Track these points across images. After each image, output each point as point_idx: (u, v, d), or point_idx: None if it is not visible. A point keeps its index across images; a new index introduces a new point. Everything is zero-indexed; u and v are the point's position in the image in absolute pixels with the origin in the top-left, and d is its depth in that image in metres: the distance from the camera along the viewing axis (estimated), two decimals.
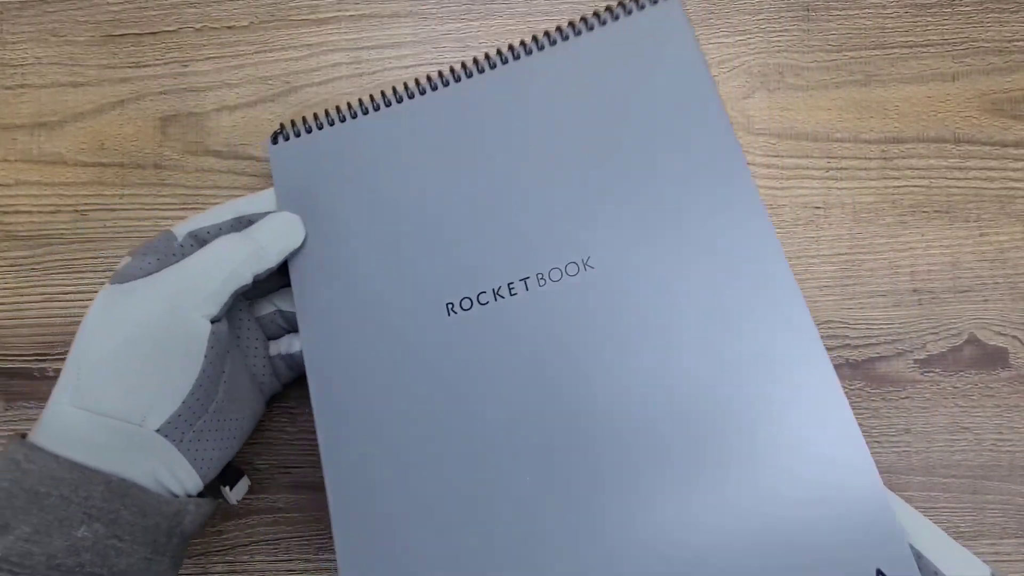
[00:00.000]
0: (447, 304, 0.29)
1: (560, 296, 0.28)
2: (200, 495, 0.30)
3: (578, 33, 0.31)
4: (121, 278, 0.29)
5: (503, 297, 0.29)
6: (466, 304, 0.29)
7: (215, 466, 0.30)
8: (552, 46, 0.31)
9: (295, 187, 0.32)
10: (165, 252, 0.30)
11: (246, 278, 0.29)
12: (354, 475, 0.28)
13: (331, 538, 0.29)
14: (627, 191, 0.29)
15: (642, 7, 0.31)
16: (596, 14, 0.31)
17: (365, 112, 0.32)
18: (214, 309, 0.29)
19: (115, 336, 0.27)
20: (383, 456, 0.28)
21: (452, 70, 0.32)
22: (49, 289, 0.37)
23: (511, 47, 0.32)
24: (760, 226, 0.28)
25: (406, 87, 0.32)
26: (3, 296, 0.37)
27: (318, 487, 0.36)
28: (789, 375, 0.27)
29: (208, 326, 0.28)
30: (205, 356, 0.28)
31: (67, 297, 0.37)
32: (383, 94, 0.32)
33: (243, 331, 0.33)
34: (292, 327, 0.33)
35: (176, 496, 0.28)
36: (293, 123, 0.33)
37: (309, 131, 0.33)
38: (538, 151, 0.30)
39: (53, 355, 0.37)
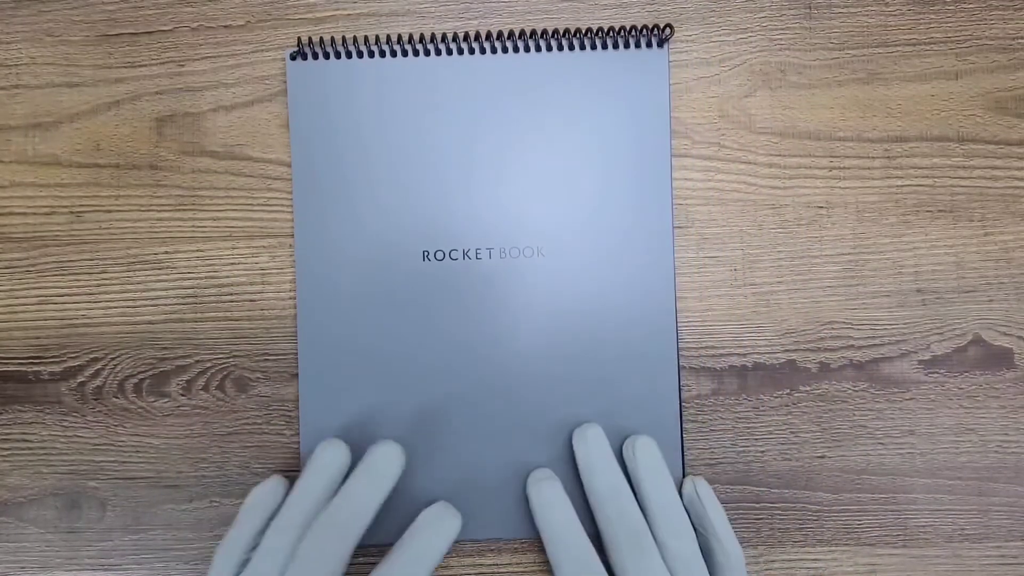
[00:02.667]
0: (423, 251, 0.36)
1: (514, 269, 0.36)
2: None
3: (583, 48, 0.37)
4: None
5: (470, 259, 0.36)
6: (439, 256, 0.36)
7: None
8: (559, 51, 0.37)
9: (307, 108, 0.36)
10: None
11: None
12: (322, 354, 0.36)
13: None
14: (580, 201, 0.36)
15: (639, 46, 0.37)
16: (602, 37, 0.36)
17: (383, 55, 0.37)
18: None
19: None
20: (347, 339, 0.36)
21: (467, 37, 0.36)
22: (44, 291, 0.37)
23: (524, 35, 0.37)
24: (664, 253, 0.36)
25: (421, 39, 0.37)
26: None
27: None
28: (645, 356, 0.36)
29: None
30: None
31: (62, 299, 0.37)
32: (400, 38, 0.37)
33: None
34: None
35: None
36: (311, 41, 0.36)
37: (327, 57, 0.36)
38: (523, 142, 0.37)
39: (48, 358, 0.37)
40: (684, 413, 0.37)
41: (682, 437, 0.36)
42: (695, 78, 0.37)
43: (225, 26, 0.37)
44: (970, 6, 0.38)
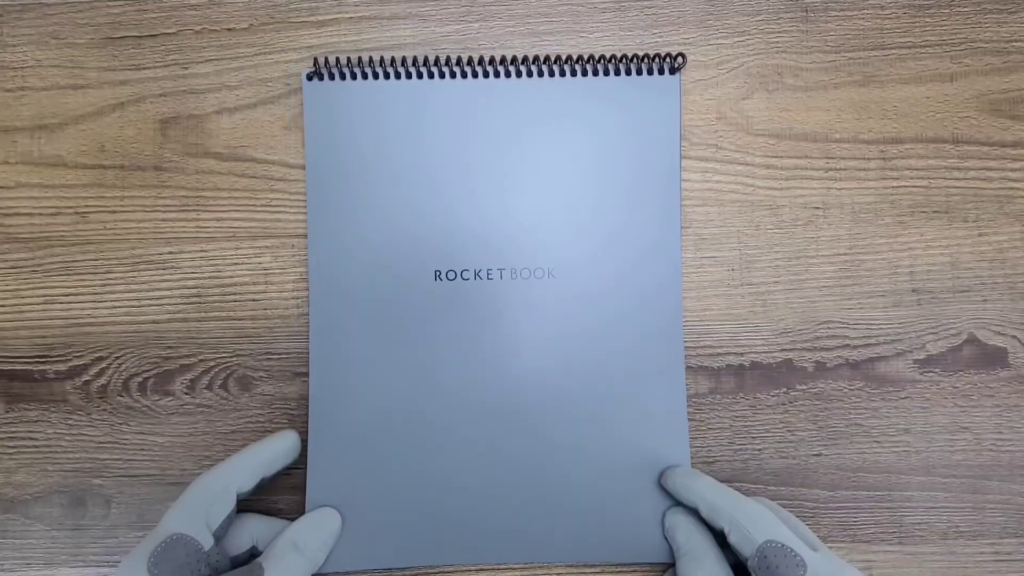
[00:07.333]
0: (435, 271, 0.36)
1: (525, 290, 0.37)
2: None
3: (595, 74, 0.37)
4: None
5: (481, 279, 0.36)
6: (451, 276, 0.36)
7: None
8: (573, 77, 0.37)
9: (323, 128, 0.37)
10: None
11: None
12: (333, 377, 0.36)
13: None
14: (591, 223, 0.37)
15: (651, 73, 0.37)
16: (615, 64, 0.37)
17: (398, 76, 0.37)
18: None
19: None
20: (359, 365, 0.36)
21: (482, 61, 0.37)
22: (49, 291, 0.37)
23: (538, 61, 0.37)
24: (673, 277, 0.37)
25: (437, 61, 0.37)
26: (3, 298, 0.37)
27: None
28: (653, 378, 0.36)
29: None
30: None
31: (67, 299, 0.37)
32: (415, 60, 0.37)
33: None
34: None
35: None
36: (327, 61, 0.37)
37: (343, 77, 0.37)
38: (535, 165, 0.37)
39: (53, 357, 0.37)
40: None
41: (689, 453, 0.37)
42: (693, 80, 0.38)
43: (229, 29, 0.38)
44: (964, 9, 0.38)
